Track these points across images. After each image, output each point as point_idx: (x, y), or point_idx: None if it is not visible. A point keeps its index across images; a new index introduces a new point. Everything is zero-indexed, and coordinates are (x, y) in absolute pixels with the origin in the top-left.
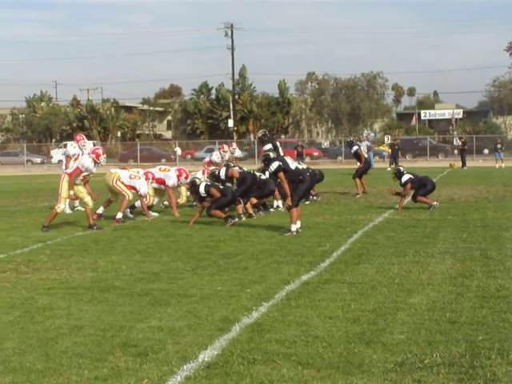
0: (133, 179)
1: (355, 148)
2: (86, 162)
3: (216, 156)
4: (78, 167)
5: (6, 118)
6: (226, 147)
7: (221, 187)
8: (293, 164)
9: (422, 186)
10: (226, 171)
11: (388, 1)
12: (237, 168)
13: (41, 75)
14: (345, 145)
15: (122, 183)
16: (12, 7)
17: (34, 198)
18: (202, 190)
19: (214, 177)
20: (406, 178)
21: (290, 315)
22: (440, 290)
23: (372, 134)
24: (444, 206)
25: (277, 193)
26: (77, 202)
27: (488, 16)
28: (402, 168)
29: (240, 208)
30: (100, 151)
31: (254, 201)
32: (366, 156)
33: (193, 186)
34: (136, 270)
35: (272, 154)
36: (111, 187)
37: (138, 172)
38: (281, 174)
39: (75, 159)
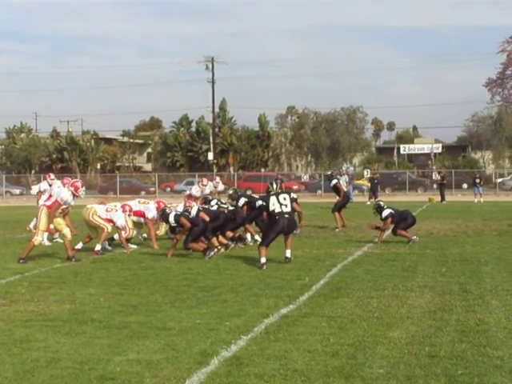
0: (109, 212)
1: (334, 182)
2: (65, 194)
3: (195, 190)
4: (56, 200)
5: None
6: (205, 181)
7: (190, 216)
8: (274, 205)
9: (402, 219)
10: (197, 212)
11: (368, 35)
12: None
13: (21, 106)
14: (324, 178)
15: (99, 217)
16: None
17: (13, 229)
18: (171, 219)
19: (163, 215)
20: (386, 212)
21: (268, 349)
22: (419, 323)
23: (351, 168)
24: (423, 240)
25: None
26: (56, 234)
27: (467, 52)
28: (382, 203)
29: (214, 241)
30: (79, 184)
31: (230, 234)
32: (345, 190)
33: (163, 215)
34: (114, 302)
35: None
36: (88, 222)
37: (115, 206)
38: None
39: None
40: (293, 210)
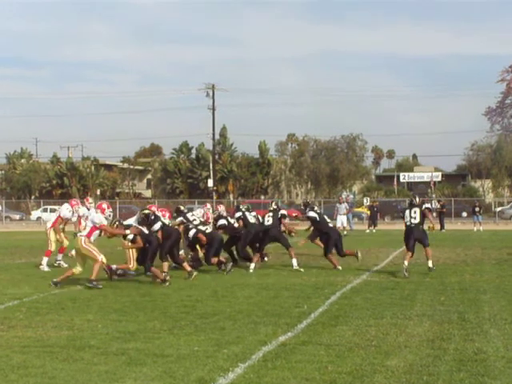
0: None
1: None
2: (97, 217)
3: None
4: (93, 226)
5: None
6: (208, 205)
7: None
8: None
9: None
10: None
11: (368, 64)
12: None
13: (22, 132)
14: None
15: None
16: None
17: (12, 254)
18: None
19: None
20: (311, 214)
21: (266, 376)
22: (417, 352)
23: (351, 196)
24: (422, 269)
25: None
26: (59, 256)
27: (467, 81)
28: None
29: (165, 266)
30: (105, 206)
31: (215, 259)
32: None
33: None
34: (112, 328)
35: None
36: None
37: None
38: None
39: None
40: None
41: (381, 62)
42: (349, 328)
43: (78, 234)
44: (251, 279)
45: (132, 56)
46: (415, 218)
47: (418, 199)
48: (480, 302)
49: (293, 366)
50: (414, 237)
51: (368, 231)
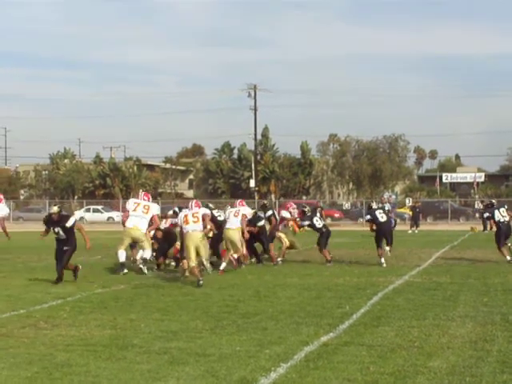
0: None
1: (270, 213)
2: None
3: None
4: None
5: (30, 175)
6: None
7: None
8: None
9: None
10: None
11: (411, 65)
12: None
13: (65, 132)
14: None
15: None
16: (37, 66)
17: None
18: None
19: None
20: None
21: (308, 377)
22: (460, 353)
23: (393, 197)
24: (465, 270)
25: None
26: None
27: (510, 80)
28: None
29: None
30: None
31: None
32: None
33: None
34: (155, 328)
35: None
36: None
37: None
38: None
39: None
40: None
41: (423, 63)
42: (391, 329)
43: (192, 228)
44: (293, 280)
45: (173, 57)
46: (383, 217)
47: (375, 203)
48: None
49: (335, 367)
50: (382, 233)
51: (410, 232)
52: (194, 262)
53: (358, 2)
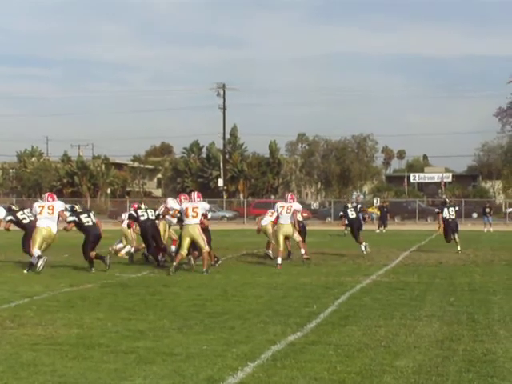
0: None
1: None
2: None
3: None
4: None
5: None
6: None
7: None
8: None
9: None
10: None
11: (379, 64)
12: None
13: (32, 130)
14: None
15: None
16: (6, 63)
17: (22, 252)
18: None
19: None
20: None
21: (275, 376)
22: (426, 353)
23: (361, 196)
24: (432, 270)
25: None
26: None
27: (478, 81)
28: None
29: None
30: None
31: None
32: (351, 217)
33: None
34: (122, 327)
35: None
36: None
37: None
38: None
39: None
40: None
41: (391, 63)
42: (358, 328)
43: (190, 222)
44: (261, 279)
45: (142, 55)
46: (352, 214)
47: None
48: (490, 303)
49: (302, 366)
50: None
51: (378, 231)
52: (184, 251)
53: (328, 1)
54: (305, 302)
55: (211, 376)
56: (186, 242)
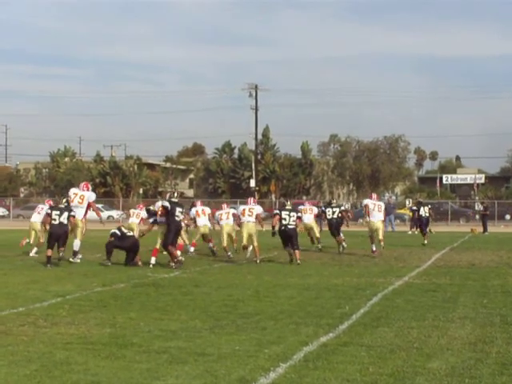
0: None
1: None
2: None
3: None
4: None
5: (30, 172)
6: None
7: None
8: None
9: None
10: None
11: (412, 65)
12: None
13: (65, 131)
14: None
15: None
16: (39, 63)
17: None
18: None
19: None
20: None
21: (307, 377)
22: (459, 355)
23: (393, 197)
24: (464, 271)
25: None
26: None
27: (511, 81)
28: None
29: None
30: None
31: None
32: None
33: None
34: (154, 327)
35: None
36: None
37: None
38: None
39: None
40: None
41: (425, 64)
42: (390, 330)
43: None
44: (293, 280)
45: (174, 56)
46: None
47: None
48: None
49: (334, 367)
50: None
51: (410, 233)
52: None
53: (359, 1)
54: (337, 303)
55: (243, 376)
56: (245, 237)
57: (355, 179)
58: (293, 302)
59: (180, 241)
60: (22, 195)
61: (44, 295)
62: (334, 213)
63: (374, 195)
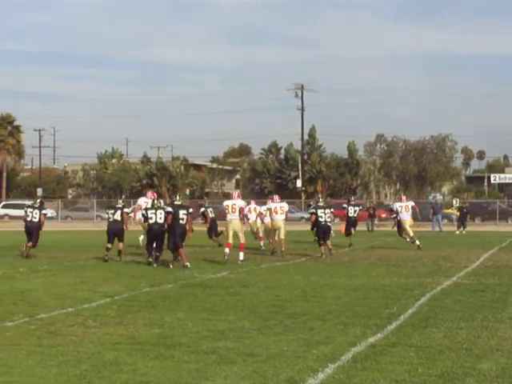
0: None
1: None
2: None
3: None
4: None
5: (78, 174)
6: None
7: None
8: None
9: None
10: None
11: (456, 63)
12: None
13: (113, 132)
14: None
15: None
16: (86, 66)
17: (103, 252)
18: None
19: None
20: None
21: (356, 377)
22: (510, 356)
23: (440, 197)
24: None
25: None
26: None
27: None
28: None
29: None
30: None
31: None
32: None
33: None
34: (202, 327)
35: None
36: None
37: None
38: None
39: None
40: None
41: (468, 62)
42: (439, 330)
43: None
44: (340, 280)
45: (220, 57)
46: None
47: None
48: None
49: (382, 368)
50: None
51: (458, 232)
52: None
53: (401, 1)
54: (385, 303)
55: (292, 377)
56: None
57: (402, 179)
58: (340, 302)
59: (242, 240)
60: (69, 197)
61: (93, 296)
62: (355, 211)
63: (404, 197)
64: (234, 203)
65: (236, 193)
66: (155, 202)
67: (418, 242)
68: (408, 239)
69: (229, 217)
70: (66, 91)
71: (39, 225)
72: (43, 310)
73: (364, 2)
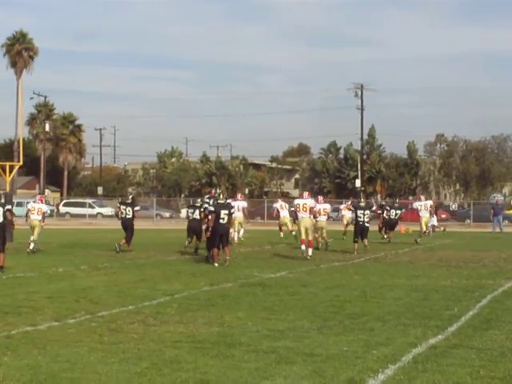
0: None
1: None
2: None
3: None
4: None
5: (138, 173)
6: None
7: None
8: None
9: None
10: None
11: None
12: None
13: (172, 131)
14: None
15: None
16: (147, 67)
17: (163, 251)
18: None
19: None
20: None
21: (416, 379)
22: None
23: (501, 198)
24: None
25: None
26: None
27: None
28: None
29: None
30: None
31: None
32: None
33: None
34: (262, 326)
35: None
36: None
37: None
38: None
39: None
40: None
41: None
42: (501, 332)
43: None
44: (400, 280)
45: (279, 57)
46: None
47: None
48: None
49: (444, 370)
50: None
51: None
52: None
53: (464, 1)
54: (445, 304)
55: (352, 377)
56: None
57: (462, 179)
58: (400, 303)
59: (310, 237)
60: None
61: (153, 294)
62: (396, 214)
63: (422, 197)
64: (305, 202)
65: (306, 193)
66: (221, 196)
67: (419, 240)
68: (418, 239)
69: (300, 215)
70: (125, 91)
71: (133, 221)
72: (104, 307)
73: (426, 2)
